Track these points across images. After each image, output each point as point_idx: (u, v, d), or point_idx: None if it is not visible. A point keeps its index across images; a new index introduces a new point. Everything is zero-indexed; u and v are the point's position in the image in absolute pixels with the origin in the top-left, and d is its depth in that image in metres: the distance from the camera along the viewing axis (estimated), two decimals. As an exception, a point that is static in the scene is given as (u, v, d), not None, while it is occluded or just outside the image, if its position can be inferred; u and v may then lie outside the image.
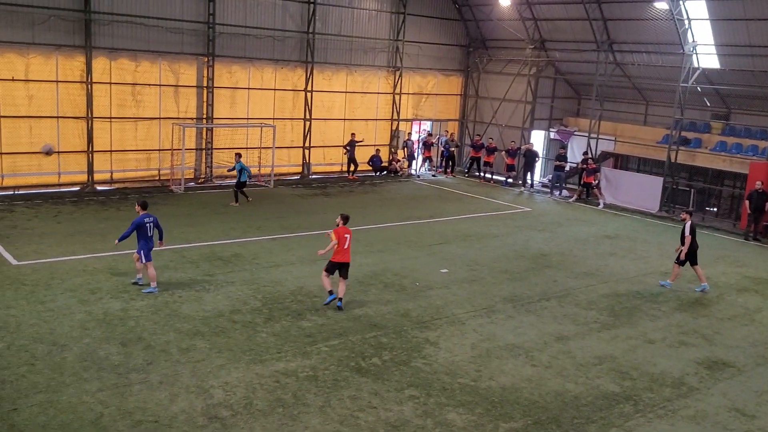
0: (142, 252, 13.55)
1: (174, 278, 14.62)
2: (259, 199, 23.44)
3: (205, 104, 25.12)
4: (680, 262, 16.03)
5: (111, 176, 23.85)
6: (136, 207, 13.84)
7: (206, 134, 25.57)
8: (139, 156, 24.24)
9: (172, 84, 24.32)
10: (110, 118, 23.23)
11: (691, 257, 15.98)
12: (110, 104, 23.15)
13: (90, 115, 22.62)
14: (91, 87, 22.43)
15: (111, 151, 23.53)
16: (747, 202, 22.03)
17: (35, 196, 21.48)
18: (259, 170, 26.65)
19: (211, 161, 25.76)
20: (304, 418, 9.38)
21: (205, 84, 24.98)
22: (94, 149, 22.98)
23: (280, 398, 9.86)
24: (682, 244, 15.93)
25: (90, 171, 23.05)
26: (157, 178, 24.76)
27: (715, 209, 25.72)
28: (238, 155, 22.48)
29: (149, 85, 23.78)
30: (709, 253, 19.84)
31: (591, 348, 12.47)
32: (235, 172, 22.31)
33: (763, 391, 11.20)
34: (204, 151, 25.72)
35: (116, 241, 13.81)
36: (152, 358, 10.81)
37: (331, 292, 13.41)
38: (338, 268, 13.33)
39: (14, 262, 14.94)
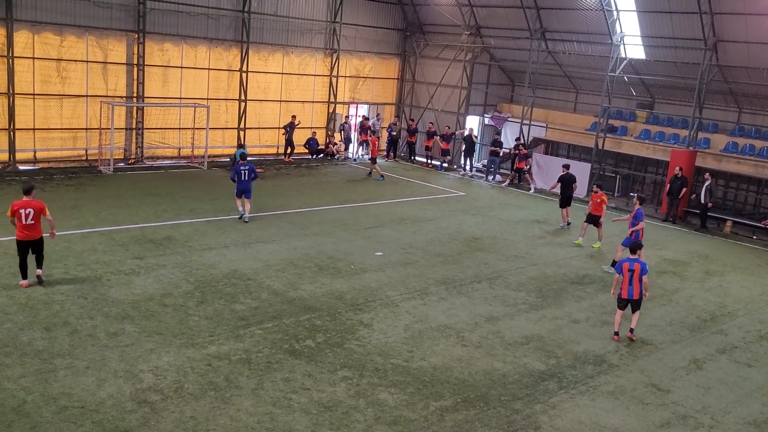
0: None
1: (102, 261, 14.26)
2: (193, 181, 23.03)
3: (135, 82, 24.41)
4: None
5: (34, 155, 22.96)
6: None
7: (136, 113, 24.86)
8: (64, 135, 23.39)
9: (100, 60, 23.53)
10: (33, 94, 22.32)
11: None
12: (33, 80, 22.23)
13: (11, 91, 21.67)
14: (12, 62, 21.46)
15: (34, 129, 22.64)
16: (669, 187, 23.03)
17: (-48, 176, 20.52)
18: (192, 151, 26.15)
19: (142, 141, 25.09)
20: (236, 400, 9.37)
21: (135, 61, 24.25)
22: (16, 127, 22.06)
23: (211, 381, 9.80)
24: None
25: (11, 149, 22.13)
26: (84, 158, 23.97)
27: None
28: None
29: (75, 61, 22.94)
30: (632, 237, 20.70)
31: (519, 328, 12.87)
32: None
33: (677, 367, 11.82)
34: (134, 130, 25.02)
35: None
36: (78, 342, 10.55)
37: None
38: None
39: (-71, 244, 14.28)
